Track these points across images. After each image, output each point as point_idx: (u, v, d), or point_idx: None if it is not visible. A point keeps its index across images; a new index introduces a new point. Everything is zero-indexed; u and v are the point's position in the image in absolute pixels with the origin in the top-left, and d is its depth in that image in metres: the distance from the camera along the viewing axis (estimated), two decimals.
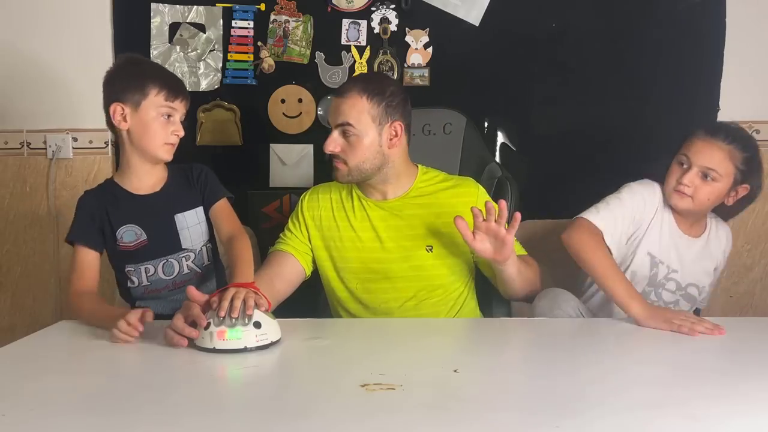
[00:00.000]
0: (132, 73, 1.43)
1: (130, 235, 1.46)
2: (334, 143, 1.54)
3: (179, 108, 1.44)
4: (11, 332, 2.23)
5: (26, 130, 2.24)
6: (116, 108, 1.42)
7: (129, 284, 1.50)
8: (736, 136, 1.61)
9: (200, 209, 1.51)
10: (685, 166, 1.61)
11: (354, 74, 2.17)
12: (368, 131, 1.53)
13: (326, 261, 1.63)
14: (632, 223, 1.65)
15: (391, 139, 1.55)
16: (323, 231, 1.63)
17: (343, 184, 1.65)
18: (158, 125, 1.42)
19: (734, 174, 1.60)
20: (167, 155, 1.46)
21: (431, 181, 1.65)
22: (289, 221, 1.68)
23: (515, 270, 1.51)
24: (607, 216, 1.61)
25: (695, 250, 1.70)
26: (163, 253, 1.48)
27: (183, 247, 1.49)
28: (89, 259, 1.45)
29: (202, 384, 1.09)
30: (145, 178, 1.48)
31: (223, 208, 1.52)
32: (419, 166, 1.67)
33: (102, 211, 1.46)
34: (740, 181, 1.61)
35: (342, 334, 1.41)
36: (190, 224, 1.50)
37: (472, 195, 1.61)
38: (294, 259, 1.60)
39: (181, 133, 1.45)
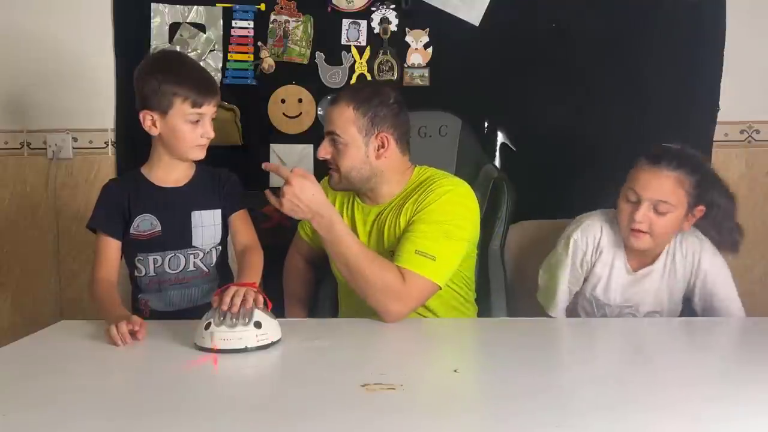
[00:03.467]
0: (159, 81, 1.41)
1: (145, 224, 1.49)
2: (324, 150, 1.56)
3: (207, 111, 1.44)
4: (11, 332, 2.22)
5: (26, 130, 2.24)
6: (145, 116, 1.44)
7: (136, 273, 1.52)
8: (681, 160, 1.52)
9: (218, 212, 1.53)
10: (634, 201, 1.53)
11: (354, 74, 2.17)
12: (354, 141, 1.52)
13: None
14: (580, 274, 1.64)
15: (378, 150, 1.53)
16: None
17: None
18: (187, 130, 1.43)
19: (687, 200, 1.53)
20: (198, 155, 1.47)
21: (413, 184, 1.58)
22: None
23: (343, 260, 1.43)
24: (561, 300, 1.63)
25: (648, 284, 1.61)
26: (173, 247, 1.50)
27: (193, 244, 1.51)
28: (111, 249, 1.48)
29: (202, 384, 1.09)
30: (171, 173, 1.51)
31: (243, 217, 1.55)
32: (416, 168, 1.62)
33: (124, 198, 1.49)
34: (693, 204, 1.54)
35: (342, 334, 1.41)
36: (205, 224, 1.52)
37: (437, 194, 1.52)
38: (304, 241, 1.80)
39: (211, 135, 1.45)
